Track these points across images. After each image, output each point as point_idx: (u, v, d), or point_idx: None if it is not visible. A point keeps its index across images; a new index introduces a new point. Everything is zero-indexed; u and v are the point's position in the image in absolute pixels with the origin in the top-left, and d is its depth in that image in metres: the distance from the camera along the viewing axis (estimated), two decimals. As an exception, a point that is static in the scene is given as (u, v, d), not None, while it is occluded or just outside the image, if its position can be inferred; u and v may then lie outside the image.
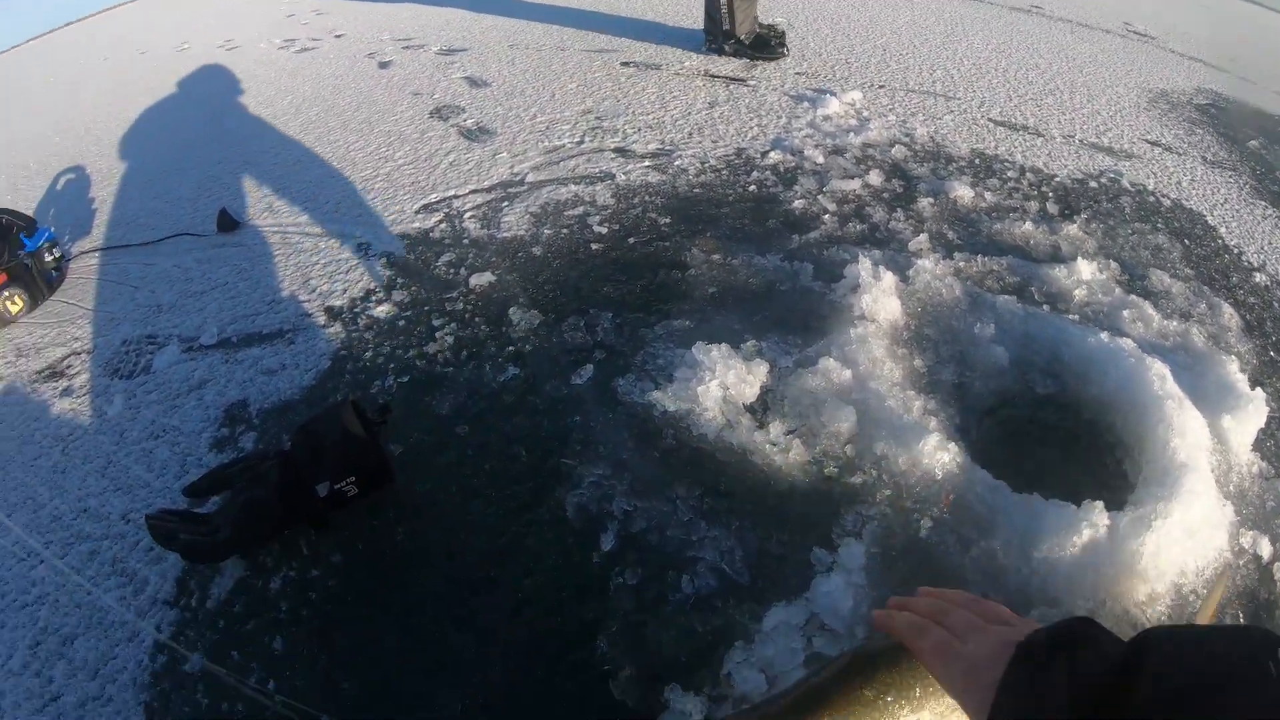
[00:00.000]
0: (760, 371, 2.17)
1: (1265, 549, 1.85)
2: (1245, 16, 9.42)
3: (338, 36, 6.39)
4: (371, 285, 2.92)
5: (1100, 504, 1.70)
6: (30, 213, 3.54)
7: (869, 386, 2.03)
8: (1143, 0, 7.50)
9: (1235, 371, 2.23)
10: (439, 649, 1.79)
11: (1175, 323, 2.50)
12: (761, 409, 2.14)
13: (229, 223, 3.49)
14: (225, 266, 3.25)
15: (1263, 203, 3.61)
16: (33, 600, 2.14)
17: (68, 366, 2.91)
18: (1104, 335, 2.18)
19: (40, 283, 3.30)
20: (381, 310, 2.77)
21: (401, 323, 2.70)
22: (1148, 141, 4.07)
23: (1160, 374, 2.06)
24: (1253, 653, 0.65)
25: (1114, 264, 2.78)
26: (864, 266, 2.41)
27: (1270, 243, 3.26)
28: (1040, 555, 1.62)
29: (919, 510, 1.81)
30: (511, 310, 2.65)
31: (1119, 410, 2.06)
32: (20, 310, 3.22)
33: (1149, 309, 2.51)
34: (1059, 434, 2.14)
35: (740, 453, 2.02)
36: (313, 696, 1.75)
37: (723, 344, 2.23)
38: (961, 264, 2.67)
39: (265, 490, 2.00)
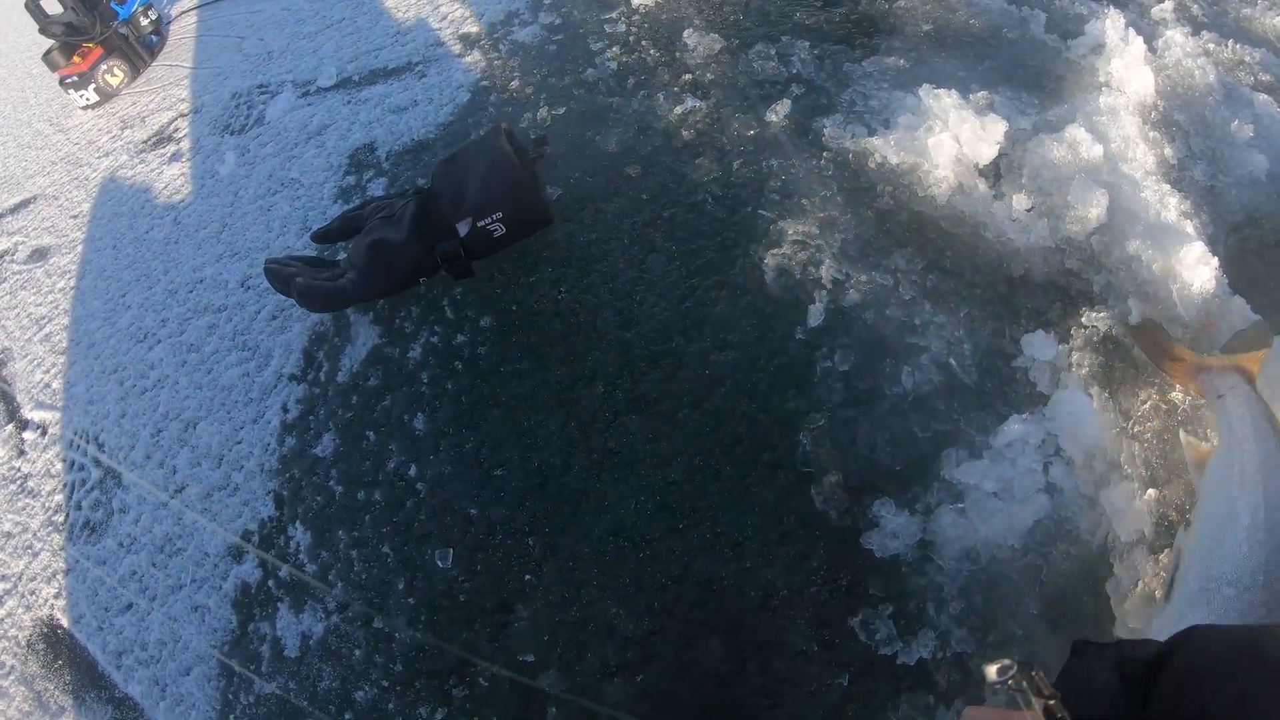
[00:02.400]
0: (997, 130, 1.69)
1: None
2: None
3: None
4: (514, 6, 2.42)
5: None
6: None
7: (1120, 170, 1.70)
8: None
9: None
10: (608, 435, 1.43)
11: None
12: (996, 175, 1.69)
13: (344, -52, 3.02)
14: (341, 1, 2.82)
15: None
16: (151, 385, 1.91)
17: (174, 130, 2.62)
18: None
19: (139, 50, 3.00)
20: (527, 34, 2.28)
21: (553, 48, 2.21)
22: None
23: None
24: None
25: None
26: (1113, 25, 1.97)
27: None
28: None
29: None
30: (686, 33, 2.11)
31: None
32: (121, 82, 2.95)
33: None
34: None
35: (973, 224, 1.63)
36: (462, 486, 1.44)
37: (953, 91, 1.74)
38: (1211, 45, 2.13)
39: (398, 231, 1.60)
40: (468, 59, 2.29)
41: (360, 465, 1.53)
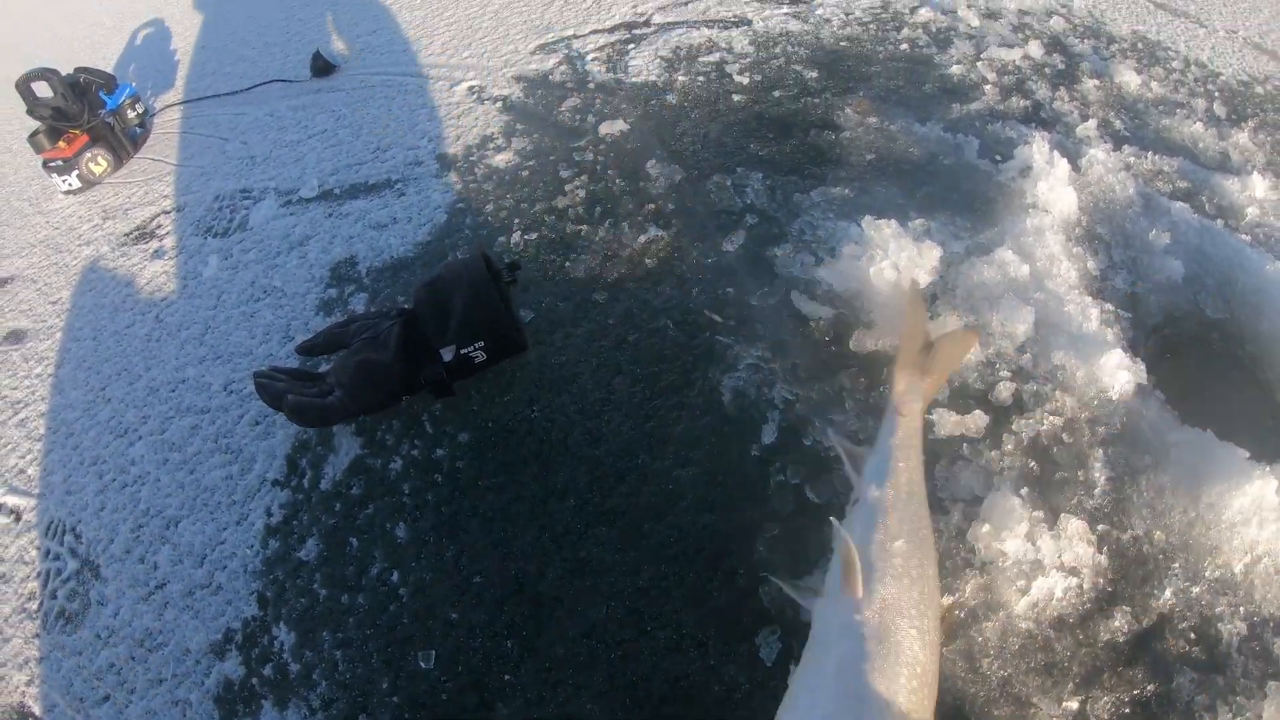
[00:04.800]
0: (933, 256, 1.87)
1: None
2: None
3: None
4: (488, 131, 2.60)
5: (1269, 467, 1.53)
6: (109, 69, 3.28)
7: (1046, 286, 1.89)
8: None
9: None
10: (580, 545, 1.57)
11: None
12: (933, 296, 1.86)
13: (324, 66, 3.17)
14: (323, 113, 2.96)
15: None
16: (132, 480, 1.97)
17: (157, 226, 2.69)
18: None
19: (124, 141, 3.08)
20: (501, 159, 2.45)
21: (525, 173, 2.38)
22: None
23: (1341, 321, 1.88)
24: None
25: None
26: (1039, 150, 2.18)
27: None
28: (1209, 499, 1.49)
29: (1095, 426, 1.63)
30: (649, 164, 2.31)
31: None
32: (105, 171, 3.01)
33: (1322, 240, 2.25)
34: (1225, 363, 1.95)
35: None
36: (440, 590, 1.55)
37: (892, 220, 1.93)
38: (1132, 159, 2.37)
39: (385, 352, 1.74)
40: (444, 180, 2.43)
41: (344, 569, 1.62)
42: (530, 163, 2.41)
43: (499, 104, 2.72)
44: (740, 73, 2.72)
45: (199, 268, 2.45)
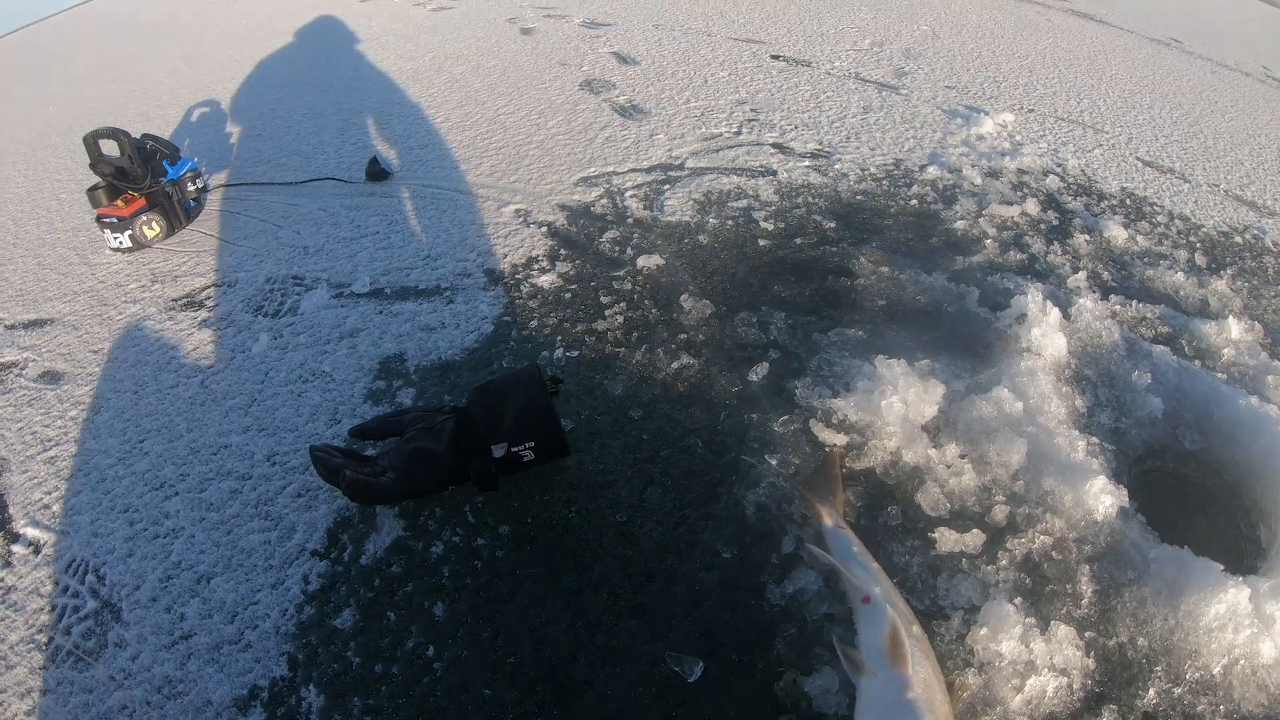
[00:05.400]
0: (937, 393, 2.12)
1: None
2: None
3: (474, -2, 6.27)
4: (534, 253, 2.82)
5: (1243, 579, 1.73)
6: (166, 141, 3.46)
7: (1038, 420, 2.08)
8: None
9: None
10: (611, 635, 1.70)
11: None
12: (936, 429, 2.10)
13: (379, 172, 3.39)
14: (375, 216, 3.15)
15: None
16: (165, 532, 2.02)
17: (207, 298, 2.82)
18: (1254, 400, 2.20)
19: (180, 211, 3.23)
20: (545, 280, 2.66)
21: (568, 295, 2.60)
22: (1290, 200, 3.96)
23: (1307, 449, 2.07)
24: None
25: (1259, 326, 2.72)
26: (1033, 300, 2.43)
27: None
28: (1187, 608, 1.67)
29: (1081, 545, 1.83)
30: (682, 297, 2.55)
31: (1262, 478, 2.08)
32: (157, 236, 3.14)
33: (1292, 376, 2.50)
34: (1200, 490, 2.15)
35: (915, 470, 2.01)
36: (474, 667, 1.65)
37: (901, 359, 2.19)
38: (1118, 307, 2.65)
39: (439, 442, 1.90)
40: (491, 293, 2.62)
41: (379, 641, 1.71)
42: (573, 286, 2.62)
43: (544, 229, 2.95)
44: (766, 219, 3.02)
45: (248, 343, 2.56)
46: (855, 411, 2.10)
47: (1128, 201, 3.46)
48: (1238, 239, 3.29)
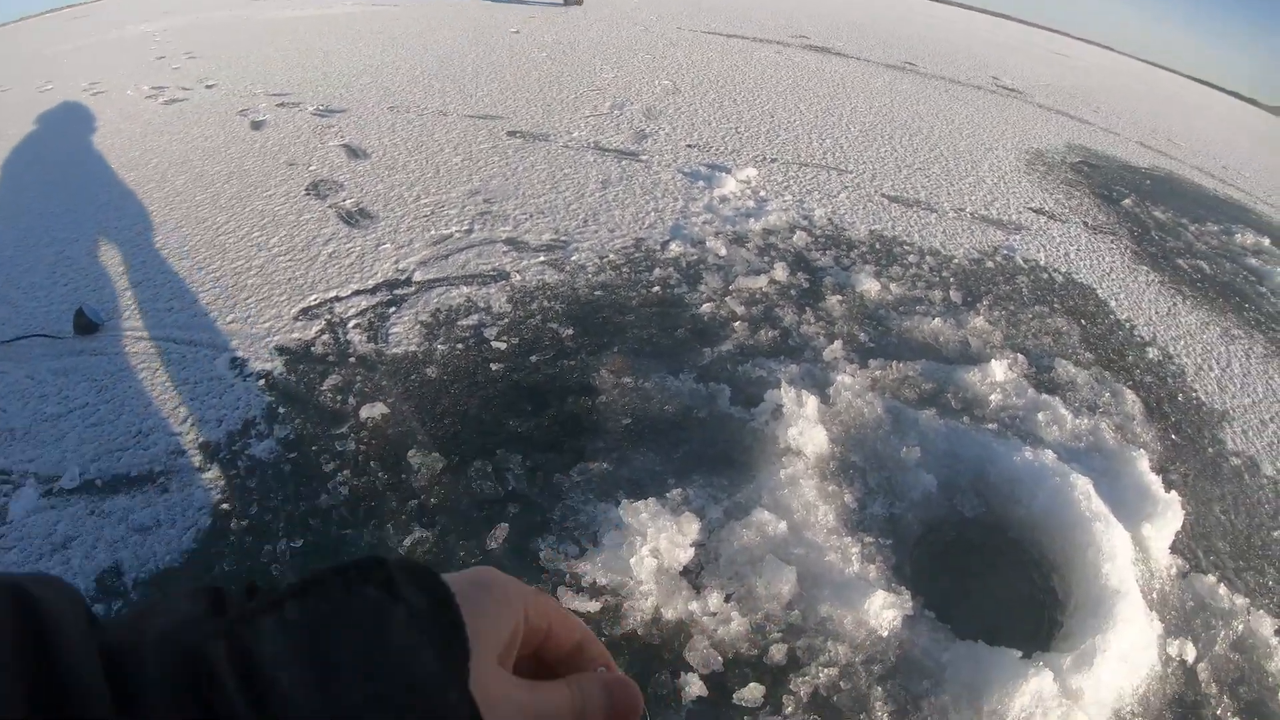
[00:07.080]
0: (691, 529, 2.01)
1: (1190, 652, 1.95)
2: (1102, 65, 10.07)
3: (209, 86, 5.92)
4: (250, 414, 2.57)
5: (1042, 659, 1.74)
6: None
7: (805, 538, 1.99)
8: (1007, 53, 7.90)
9: (1148, 471, 2.34)
10: None
11: (1085, 420, 2.60)
12: (697, 570, 1.99)
13: (87, 325, 3.03)
14: (84, 381, 2.79)
15: (1144, 268, 3.86)
16: None
17: None
18: (1028, 452, 2.24)
19: None
20: (263, 449, 2.43)
21: (287, 467, 2.37)
22: (1032, 210, 4.25)
23: (1085, 492, 2.13)
24: None
25: (1021, 357, 2.87)
26: (787, 394, 2.34)
27: (1155, 311, 3.49)
28: (990, 707, 1.64)
29: (870, 666, 1.78)
30: (410, 453, 2.37)
31: (1047, 530, 2.12)
32: None
33: (1060, 408, 2.60)
34: (986, 553, 2.14)
35: (679, 628, 1.89)
36: None
37: (649, 499, 2.05)
38: (877, 372, 2.64)
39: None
40: (207, 475, 2.37)
41: None
42: (292, 454, 2.41)
43: (261, 381, 2.71)
44: (498, 337, 2.88)
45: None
46: (604, 574, 1.96)
47: (877, 246, 3.53)
48: (989, 264, 3.45)
